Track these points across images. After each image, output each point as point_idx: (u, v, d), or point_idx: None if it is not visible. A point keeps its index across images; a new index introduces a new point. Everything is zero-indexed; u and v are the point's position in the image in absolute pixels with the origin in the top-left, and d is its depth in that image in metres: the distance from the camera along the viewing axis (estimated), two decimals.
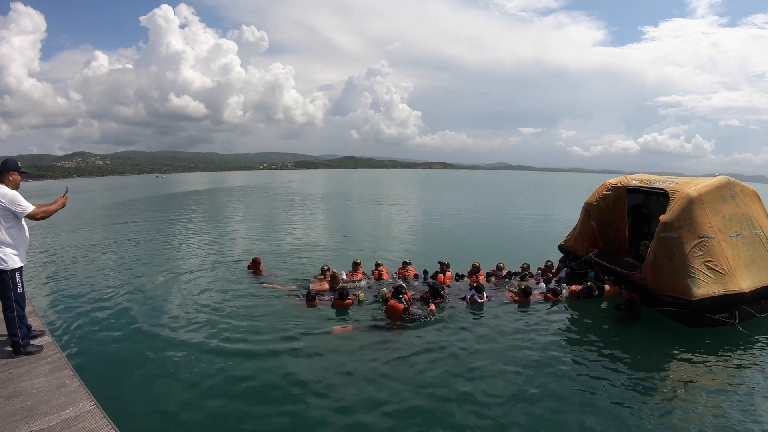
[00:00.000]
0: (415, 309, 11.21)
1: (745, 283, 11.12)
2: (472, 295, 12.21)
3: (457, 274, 14.57)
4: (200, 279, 14.72)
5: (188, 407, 7.28)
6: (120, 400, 7.26)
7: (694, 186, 12.03)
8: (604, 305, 12.51)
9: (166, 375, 8.33)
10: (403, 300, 11.09)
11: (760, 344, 10.29)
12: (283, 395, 7.65)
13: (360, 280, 14.12)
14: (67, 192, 7.41)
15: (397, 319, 10.72)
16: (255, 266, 15.36)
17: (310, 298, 12.06)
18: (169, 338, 9.91)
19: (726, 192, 12.17)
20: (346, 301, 11.95)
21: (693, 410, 7.55)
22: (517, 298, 12.51)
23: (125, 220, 30.75)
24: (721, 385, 8.52)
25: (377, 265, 14.80)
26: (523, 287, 12.64)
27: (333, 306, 11.93)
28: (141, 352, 9.27)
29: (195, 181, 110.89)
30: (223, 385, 7.95)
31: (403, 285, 12.51)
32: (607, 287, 12.89)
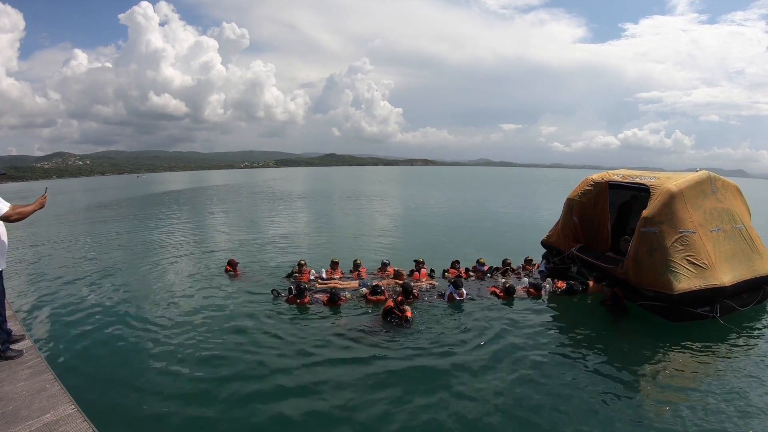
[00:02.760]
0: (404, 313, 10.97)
1: (726, 277, 11.12)
2: (451, 293, 12.10)
3: (432, 270, 14.52)
4: (180, 282, 14.35)
5: (169, 411, 7.08)
6: (101, 404, 7.13)
7: (675, 181, 12.02)
8: (588, 300, 12.49)
9: (147, 378, 8.10)
10: (396, 301, 10.85)
11: (741, 338, 10.29)
12: (266, 399, 7.43)
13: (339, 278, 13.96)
14: (46, 192, 7.22)
15: (385, 317, 10.50)
16: (232, 268, 15.09)
17: (300, 295, 11.84)
18: (149, 341, 9.64)
19: (707, 187, 12.20)
20: (339, 302, 11.76)
21: (679, 404, 7.45)
22: (501, 294, 12.42)
23: (105, 222, 30.02)
24: (703, 378, 8.46)
25: (356, 264, 14.61)
26: (507, 286, 12.50)
27: (324, 305, 11.74)
28: (122, 355, 9.04)
29: (175, 180, 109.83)
30: (205, 389, 7.73)
31: (381, 285, 12.44)
32: (590, 284, 12.88)
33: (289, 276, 14.24)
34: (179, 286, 13.78)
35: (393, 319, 10.36)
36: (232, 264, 15.22)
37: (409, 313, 10.56)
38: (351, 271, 14.43)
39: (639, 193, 13.63)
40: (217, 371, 8.34)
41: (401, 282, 12.96)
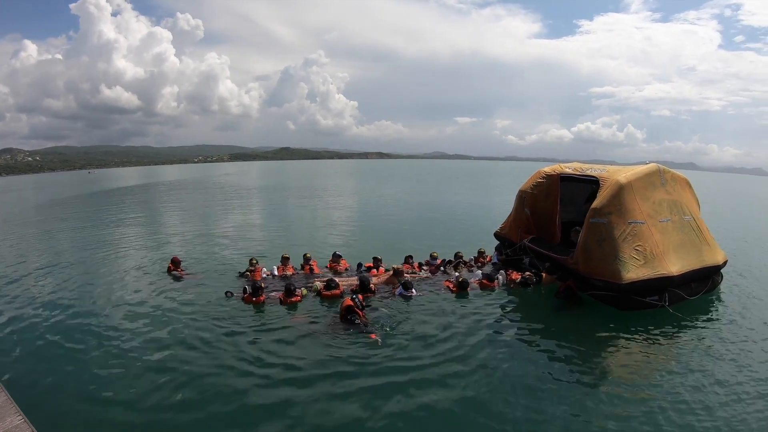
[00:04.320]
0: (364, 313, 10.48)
1: (674, 266, 11.26)
2: (401, 293, 11.91)
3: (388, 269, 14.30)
4: (129, 284, 13.53)
5: (120, 421, 6.75)
6: (49, 414, 6.74)
7: (624, 173, 12.13)
8: (542, 292, 12.51)
9: (94, 387, 7.65)
10: (356, 300, 10.47)
11: (689, 325, 10.43)
12: (221, 406, 7.08)
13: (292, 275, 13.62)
14: None
15: (344, 316, 10.13)
16: (175, 266, 14.35)
17: (256, 294, 11.42)
18: (97, 350, 9.05)
19: (656, 179, 12.36)
20: (294, 298, 11.41)
21: (629, 392, 7.52)
22: (455, 289, 12.28)
23: (54, 221, 28.50)
24: (652, 366, 8.58)
25: (306, 258, 14.25)
26: (460, 280, 12.37)
27: (281, 303, 11.35)
28: (69, 364, 8.48)
29: (128, 176, 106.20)
30: (159, 397, 7.31)
31: (335, 279, 12.19)
32: (544, 275, 12.91)
33: (242, 275, 13.81)
34: (132, 291, 12.95)
35: (353, 317, 9.95)
36: (174, 262, 14.50)
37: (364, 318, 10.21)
38: (302, 266, 14.07)
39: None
40: (176, 380, 7.88)
41: (399, 278, 12.84)
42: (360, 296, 10.91)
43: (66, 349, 9.15)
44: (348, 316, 10.00)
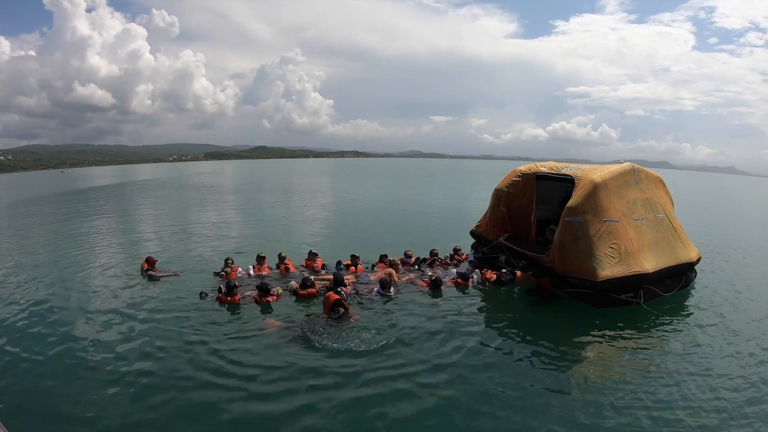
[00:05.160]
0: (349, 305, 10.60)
1: (649, 263, 11.37)
2: (378, 292, 11.82)
3: (367, 265, 14.18)
4: (101, 287, 12.95)
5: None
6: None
7: (599, 172, 12.23)
8: (516, 290, 12.52)
9: (54, 404, 7.19)
10: (341, 292, 10.58)
11: (664, 322, 10.55)
12: (191, 423, 6.78)
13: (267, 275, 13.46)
14: None
15: (329, 310, 10.09)
16: (150, 266, 13.95)
17: (230, 293, 11.21)
18: (60, 362, 8.48)
19: (630, 178, 12.47)
20: (270, 298, 11.25)
21: (605, 389, 7.55)
22: (429, 287, 12.25)
23: (24, 221, 27.92)
24: (627, 361, 8.65)
25: (281, 258, 14.04)
26: (434, 278, 12.36)
27: (256, 302, 11.17)
28: (27, 379, 7.95)
29: (102, 175, 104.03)
30: (122, 413, 6.93)
31: (311, 278, 12.06)
32: (518, 273, 12.95)
33: (218, 275, 13.57)
34: (98, 293, 12.44)
35: (339, 309, 10.01)
36: (150, 262, 14.10)
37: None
38: (277, 266, 13.88)
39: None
40: (132, 390, 7.57)
41: (395, 273, 12.93)
42: (345, 289, 11.06)
43: (22, 360, 8.65)
44: (336, 307, 10.04)
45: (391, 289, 11.93)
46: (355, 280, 12.85)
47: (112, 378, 7.91)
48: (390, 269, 13.27)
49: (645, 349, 9.28)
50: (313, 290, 11.69)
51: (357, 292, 11.96)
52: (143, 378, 7.92)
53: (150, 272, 13.80)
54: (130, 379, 7.87)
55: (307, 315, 10.54)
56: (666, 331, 10.19)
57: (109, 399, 7.31)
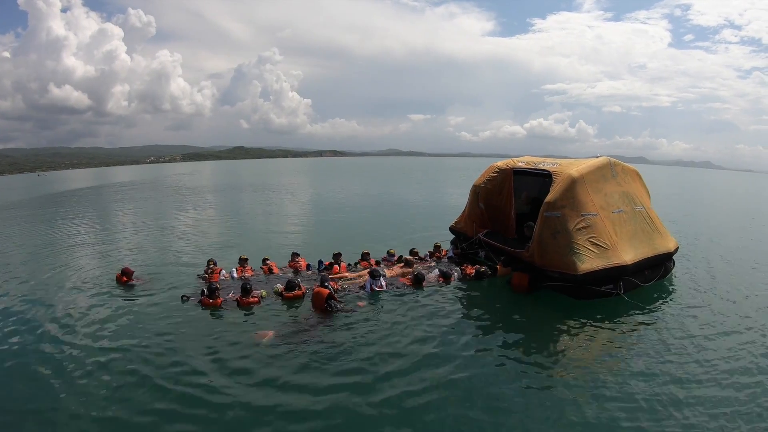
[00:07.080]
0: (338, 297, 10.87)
1: (627, 255, 11.54)
2: (371, 285, 11.89)
3: (349, 264, 14.17)
4: (76, 296, 12.40)
5: None
6: None
7: (576, 167, 12.38)
8: (497, 283, 12.64)
9: (53, 409, 7.04)
10: (329, 287, 10.76)
11: (644, 311, 10.77)
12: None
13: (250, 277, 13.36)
14: None
15: (322, 306, 10.20)
16: (128, 278, 13.16)
17: (212, 296, 11.05)
18: (51, 369, 8.25)
19: (607, 172, 12.64)
20: (252, 299, 11.11)
21: (588, 380, 7.66)
22: (411, 284, 12.29)
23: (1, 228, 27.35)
24: (609, 352, 8.86)
25: (264, 260, 13.98)
26: (415, 274, 12.43)
27: (239, 305, 11.00)
28: (23, 385, 7.77)
29: (78, 178, 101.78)
30: (111, 410, 6.90)
31: (294, 279, 11.95)
32: (498, 267, 13.04)
33: (200, 277, 13.40)
34: (72, 303, 11.85)
35: (332, 303, 10.36)
36: (127, 273, 13.29)
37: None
38: (261, 267, 13.79)
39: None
40: (124, 387, 7.53)
41: (410, 269, 13.10)
42: (333, 284, 11.36)
43: (15, 372, 8.32)
44: (329, 300, 10.32)
45: (381, 279, 12.19)
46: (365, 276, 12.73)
47: (93, 383, 7.77)
48: (400, 267, 13.62)
49: (625, 339, 9.47)
50: (299, 292, 11.62)
51: (344, 289, 12.12)
52: (127, 377, 7.89)
53: (129, 283, 13.12)
54: (114, 383, 7.74)
55: (293, 318, 10.50)
56: (644, 320, 10.41)
57: (88, 403, 7.17)
